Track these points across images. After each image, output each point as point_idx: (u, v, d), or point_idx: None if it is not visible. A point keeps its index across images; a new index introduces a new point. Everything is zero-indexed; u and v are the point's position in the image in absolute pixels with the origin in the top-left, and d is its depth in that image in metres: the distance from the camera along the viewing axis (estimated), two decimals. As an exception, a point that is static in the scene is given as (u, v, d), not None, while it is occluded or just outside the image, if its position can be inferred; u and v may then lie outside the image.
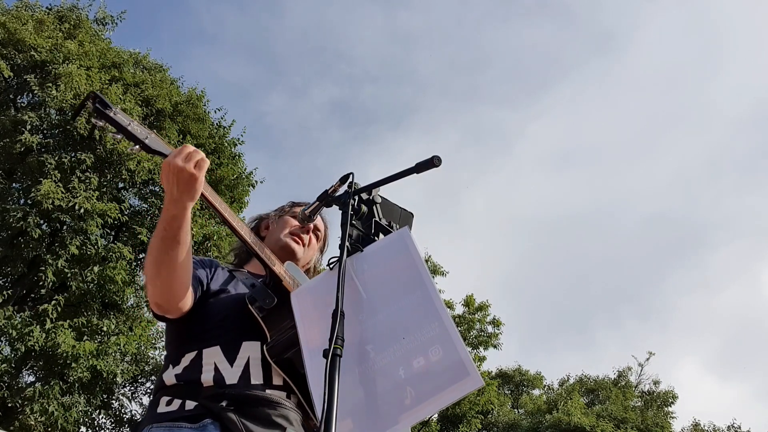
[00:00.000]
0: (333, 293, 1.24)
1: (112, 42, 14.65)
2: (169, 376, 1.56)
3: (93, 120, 1.41)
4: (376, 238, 1.56)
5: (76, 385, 10.86)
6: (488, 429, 24.05)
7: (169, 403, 1.50)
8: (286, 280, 1.65)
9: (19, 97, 13.47)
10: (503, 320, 22.77)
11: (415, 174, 1.50)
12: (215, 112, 14.93)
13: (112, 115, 1.39)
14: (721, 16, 49.62)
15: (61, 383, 10.69)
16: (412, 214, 1.67)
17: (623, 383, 27.03)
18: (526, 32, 44.81)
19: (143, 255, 12.15)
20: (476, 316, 22.76)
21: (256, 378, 1.53)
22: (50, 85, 11.99)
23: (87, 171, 11.85)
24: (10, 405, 10.97)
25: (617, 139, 45.84)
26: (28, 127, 11.75)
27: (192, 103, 14.09)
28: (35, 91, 12.33)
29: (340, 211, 1.52)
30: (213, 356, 1.55)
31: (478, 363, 21.48)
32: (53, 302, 10.91)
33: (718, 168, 45.81)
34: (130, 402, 14.29)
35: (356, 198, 1.55)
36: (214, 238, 12.54)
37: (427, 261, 20.67)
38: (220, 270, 1.77)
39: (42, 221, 11.69)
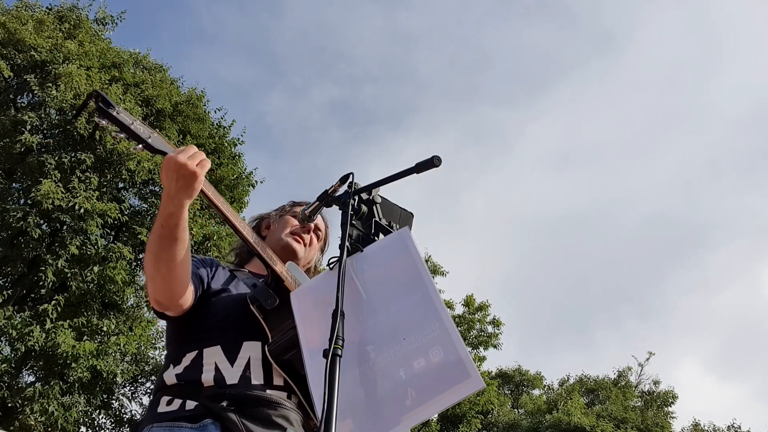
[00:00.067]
0: (333, 293, 1.23)
1: (112, 42, 14.68)
2: (170, 376, 1.56)
3: (96, 119, 1.40)
4: (376, 238, 1.56)
5: (76, 385, 10.86)
6: (488, 429, 24.05)
7: (169, 403, 1.50)
8: (287, 280, 1.64)
9: (19, 97, 13.46)
10: (503, 320, 22.73)
11: (415, 174, 1.50)
12: (215, 112, 14.98)
13: (115, 114, 1.37)
14: (721, 16, 49.68)
15: (61, 383, 10.69)
16: (412, 214, 1.66)
17: (623, 383, 27.02)
18: (526, 32, 44.87)
19: (143, 255, 12.10)
20: (476, 316, 22.73)
21: (257, 378, 1.53)
22: (50, 85, 11.99)
23: (87, 171, 11.84)
24: (10, 405, 10.96)
25: (617, 139, 45.90)
26: (28, 127, 11.75)
27: (192, 103, 14.10)
28: (35, 91, 12.33)
29: (340, 211, 1.52)
30: (214, 356, 1.55)
31: (478, 363, 21.46)
32: (53, 302, 10.91)
33: (718, 168, 45.87)
34: (130, 402, 14.31)
35: (356, 198, 1.55)
36: (215, 238, 12.53)
37: (427, 261, 20.66)
38: (221, 269, 1.77)
39: (42, 221, 11.69)
